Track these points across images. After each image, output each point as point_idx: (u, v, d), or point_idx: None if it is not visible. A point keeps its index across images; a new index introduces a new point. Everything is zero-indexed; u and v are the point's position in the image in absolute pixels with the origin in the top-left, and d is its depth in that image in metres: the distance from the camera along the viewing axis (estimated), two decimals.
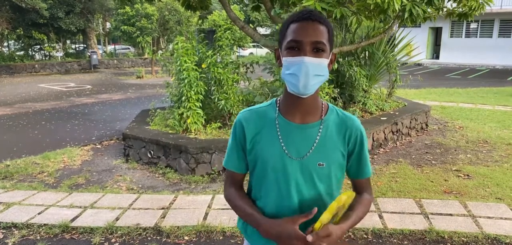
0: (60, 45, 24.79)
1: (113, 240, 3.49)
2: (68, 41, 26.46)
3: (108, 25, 29.01)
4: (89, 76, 19.77)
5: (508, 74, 18.97)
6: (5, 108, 10.59)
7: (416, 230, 3.57)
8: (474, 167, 5.31)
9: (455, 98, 11.25)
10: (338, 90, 6.63)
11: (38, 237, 3.55)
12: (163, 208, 4.09)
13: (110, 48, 31.67)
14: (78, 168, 5.55)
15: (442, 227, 3.62)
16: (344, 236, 1.31)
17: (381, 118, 6.65)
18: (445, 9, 6.86)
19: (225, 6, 6.71)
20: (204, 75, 6.08)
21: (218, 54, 6.10)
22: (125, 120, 8.69)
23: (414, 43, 9.06)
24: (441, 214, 3.90)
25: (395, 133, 6.66)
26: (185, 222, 3.76)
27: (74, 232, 3.63)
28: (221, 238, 3.51)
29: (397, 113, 7.10)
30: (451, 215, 3.87)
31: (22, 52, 23.46)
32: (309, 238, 1.21)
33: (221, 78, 5.76)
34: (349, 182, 1.56)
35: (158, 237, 3.54)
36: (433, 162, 5.61)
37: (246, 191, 1.52)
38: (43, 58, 23.79)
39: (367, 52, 7.69)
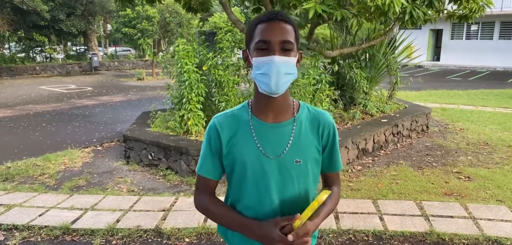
0: (61, 47, 24.82)
1: (113, 242, 3.49)
2: (69, 43, 26.49)
3: (109, 27, 29.03)
4: (90, 78, 19.80)
5: (509, 76, 18.96)
6: (6, 110, 10.61)
7: (417, 232, 3.57)
8: (474, 169, 5.31)
9: (456, 100, 11.25)
10: (339, 92, 6.64)
11: (39, 239, 3.55)
12: (163, 210, 4.10)
13: (111, 50, 31.70)
14: (79, 170, 5.56)
15: (443, 229, 3.62)
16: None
17: (382, 120, 6.65)
18: (445, 12, 6.88)
19: (226, 8, 6.73)
20: (205, 77, 6.09)
21: (218, 56, 6.11)
22: (126, 122, 8.70)
23: (414, 45, 9.07)
24: (441, 216, 3.89)
25: (395, 135, 6.66)
26: (186, 224, 3.76)
27: (74, 234, 3.64)
28: (221, 240, 3.51)
29: (397, 115, 7.10)
30: (451, 217, 3.87)
31: (23, 54, 23.49)
32: (290, 238, 1.24)
33: (222, 80, 5.77)
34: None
35: (159, 239, 3.54)
36: (433, 164, 5.61)
37: (225, 196, 1.53)
38: (44, 60, 23.84)
39: (367, 54, 7.70)
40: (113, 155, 6.28)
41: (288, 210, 1.37)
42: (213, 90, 6.02)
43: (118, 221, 3.86)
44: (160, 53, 19.74)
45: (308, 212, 1.27)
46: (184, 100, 5.73)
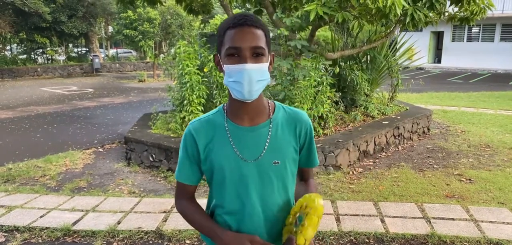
0: (62, 48, 24.86)
1: (114, 244, 3.49)
2: (70, 45, 26.52)
3: (110, 29, 29.08)
4: (91, 80, 19.82)
5: (510, 78, 18.94)
6: (7, 111, 10.62)
7: (418, 235, 3.57)
8: (476, 172, 5.30)
9: (457, 102, 11.24)
10: (340, 94, 6.64)
11: (40, 241, 3.55)
12: (164, 212, 4.09)
13: (112, 51, 31.76)
14: (80, 171, 5.56)
15: (444, 231, 3.61)
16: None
17: (383, 122, 6.64)
18: (446, 14, 6.87)
19: (227, 10, 6.74)
20: (206, 79, 6.10)
21: None
22: (127, 123, 8.71)
23: (415, 47, 9.07)
24: (443, 218, 3.89)
25: (397, 137, 6.65)
26: (187, 226, 3.76)
27: (75, 235, 3.64)
28: None
29: (399, 117, 7.10)
30: (453, 219, 3.86)
31: (24, 56, 23.54)
32: None
33: (223, 82, 5.77)
34: None
35: (160, 241, 3.54)
36: (435, 166, 5.60)
37: (207, 200, 1.52)
38: (46, 62, 23.88)
39: (368, 56, 7.69)
40: (114, 156, 6.29)
41: (270, 213, 1.39)
42: (214, 92, 6.02)
43: (119, 222, 3.86)
44: (161, 55, 19.77)
45: (311, 231, 1.25)
46: (185, 101, 5.74)
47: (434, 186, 4.80)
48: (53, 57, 23.93)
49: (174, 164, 5.30)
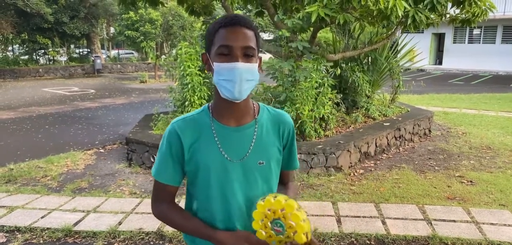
0: (64, 49, 24.91)
1: (115, 244, 3.50)
2: (72, 46, 26.58)
3: (112, 30, 29.12)
4: (92, 81, 19.86)
5: (511, 80, 18.93)
6: (9, 112, 10.65)
7: (419, 236, 3.56)
8: (477, 173, 5.29)
9: (458, 104, 11.23)
10: (341, 95, 6.63)
11: (41, 241, 3.56)
12: None
13: (113, 52, 31.83)
14: (81, 172, 5.57)
15: (445, 233, 3.60)
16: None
17: (384, 124, 6.64)
18: (448, 15, 6.87)
19: (228, 11, 6.75)
20: (207, 80, 6.10)
21: None
22: (128, 124, 8.71)
23: (417, 49, 9.05)
24: (444, 220, 3.88)
25: (398, 138, 6.65)
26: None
27: (77, 236, 3.64)
28: None
29: (400, 118, 7.09)
30: (454, 221, 3.86)
31: (26, 57, 23.61)
32: None
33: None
34: None
35: (161, 242, 3.54)
36: (436, 168, 5.60)
37: (186, 203, 1.50)
38: (47, 63, 23.94)
39: (370, 58, 7.69)
40: (115, 157, 6.29)
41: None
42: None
43: (120, 223, 3.87)
44: (163, 56, 19.78)
45: (261, 209, 1.24)
46: (186, 103, 5.75)
47: (435, 187, 4.80)
48: (55, 58, 23.99)
49: None
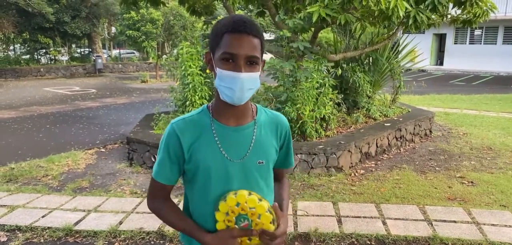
0: (65, 49, 24.95)
1: (116, 244, 3.50)
2: (73, 45, 26.63)
3: (113, 29, 29.15)
4: (94, 80, 19.88)
5: None
6: (10, 111, 10.66)
7: (420, 237, 3.56)
8: (478, 174, 5.29)
9: (459, 105, 11.22)
10: (342, 95, 6.63)
11: (42, 240, 3.56)
12: None
13: (115, 52, 31.85)
14: (82, 171, 5.58)
15: (446, 234, 3.60)
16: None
17: (385, 124, 6.64)
18: (449, 16, 6.86)
19: (229, 11, 6.75)
20: (208, 80, 6.11)
21: None
22: (130, 124, 8.72)
23: (418, 49, 9.04)
24: (445, 221, 3.88)
25: (398, 139, 6.65)
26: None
27: (77, 235, 3.65)
28: None
29: (400, 119, 7.09)
30: (455, 222, 3.86)
31: (27, 56, 23.65)
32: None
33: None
34: None
35: (161, 241, 3.55)
36: (437, 168, 5.59)
37: (184, 200, 1.52)
38: (49, 62, 23.98)
39: (371, 58, 7.69)
40: (116, 157, 6.30)
41: None
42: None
43: (120, 223, 3.87)
44: (164, 56, 19.80)
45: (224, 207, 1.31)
46: (187, 102, 5.75)
47: (436, 188, 4.80)
48: (56, 58, 24.01)
49: None
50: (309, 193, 4.60)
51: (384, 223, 3.83)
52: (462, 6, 6.23)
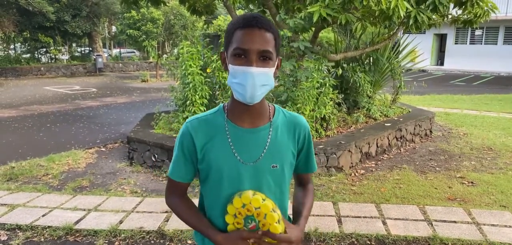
0: (66, 48, 24.97)
1: (116, 243, 3.50)
2: (74, 44, 26.65)
3: (113, 28, 29.17)
4: (94, 79, 19.88)
5: None
6: (10, 110, 10.67)
7: (420, 237, 3.56)
8: (478, 174, 5.29)
9: (460, 105, 11.22)
10: (342, 95, 6.63)
11: (42, 239, 3.57)
12: (166, 212, 4.10)
13: (115, 51, 31.85)
14: (83, 170, 5.58)
15: (446, 234, 3.60)
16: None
17: (385, 124, 6.64)
18: (450, 16, 6.86)
19: (230, 11, 6.75)
20: (209, 80, 6.11)
21: None
22: (130, 123, 8.73)
23: (418, 50, 9.04)
24: (445, 221, 3.88)
25: (399, 139, 6.65)
26: (189, 226, 3.76)
27: (77, 234, 3.65)
28: None
29: (401, 119, 7.09)
30: (455, 222, 3.86)
31: (28, 55, 23.67)
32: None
33: (226, 82, 5.78)
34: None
35: (162, 241, 3.55)
36: (437, 168, 5.59)
37: (199, 198, 1.52)
38: (49, 61, 23.99)
39: (371, 58, 7.69)
40: (116, 156, 6.30)
41: None
42: (217, 92, 6.04)
43: (121, 222, 3.87)
44: (164, 55, 19.81)
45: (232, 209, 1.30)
46: (188, 102, 5.75)
47: (436, 188, 4.80)
48: (57, 57, 24.03)
49: None
50: None
51: (384, 223, 3.83)
52: (463, 6, 6.23)
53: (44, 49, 23.84)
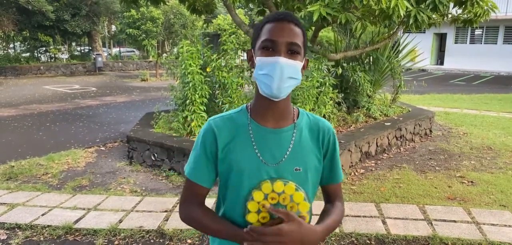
0: (65, 47, 24.94)
1: (116, 242, 3.50)
2: (73, 44, 26.61)
3: (113, 28, 29.16)
4: (94, 78, 19.87)
5: None
6: (10, 109, 10.66)
7: (420, 236, 3.56)
8: (478, 174, 5.29)
9: (459, 104, 11.22)
10: (342, 95, 6.63)
11: (42, 239, 3.56)
12: (166, 211, 4.10)
13: (115, 50, 31.82)
14: (82, 170, 5.58)
15: (446, 233, 3.60)
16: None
17: (385, 124, 6.64)
18: (450, 16, 6.86)
19: (230, 10, 6.74)
20: (208, 79, 6.10)
21: (222, 58, 6.12)
22: (129, 122, 8.72)
23: (418, 49, 9.04)
24: (444, 220, 3.88)
25: (399, 138, 6.64)
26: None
27: (77, 233, 3.65)
28: None
29: (401, 118, 7.08)
30: (454, 221, 3.86)
31: (27, 54, 23.64)
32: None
33: (226, 82, 5.78)
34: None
35: (161, 240, 3.55)
36: (437, 168, 5.59)
37: (216, 203, 1.43)
38: (49, 60, 23.96)
39: (371, 58, 7.68)
40: (116, 155, 6.30)
41: None
42: (217, 91, 6.03)
43: (120, 221, 3.87)
44: (164, 54, 19.79)
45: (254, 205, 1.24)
46: (187, 101, 5.74)
47: (435, 188, 4.80)
48: (56, 56, 24.00)
49: (176, 164, 5.31)
50: None
51: (384, 223, 3.83)
52: (463, 6, 6.22)
53: (44, 48, 23.81)
